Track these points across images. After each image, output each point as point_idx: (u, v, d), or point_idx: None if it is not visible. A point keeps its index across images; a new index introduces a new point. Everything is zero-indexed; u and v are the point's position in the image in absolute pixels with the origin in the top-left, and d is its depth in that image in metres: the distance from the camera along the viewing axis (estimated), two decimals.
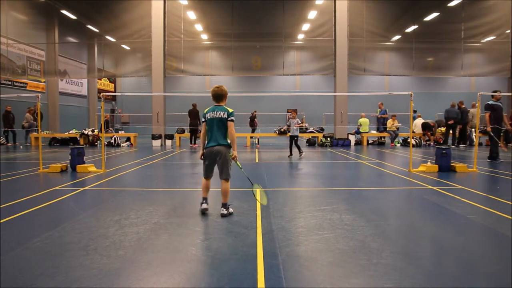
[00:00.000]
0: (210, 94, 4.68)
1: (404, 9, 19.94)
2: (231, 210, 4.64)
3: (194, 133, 16.86)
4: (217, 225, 4.16)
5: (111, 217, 4.48)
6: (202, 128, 4.69)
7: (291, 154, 11.79)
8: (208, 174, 4.70)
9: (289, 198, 5.75)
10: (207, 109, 4.64)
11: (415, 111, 19.46)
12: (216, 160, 4.57)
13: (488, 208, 4.93)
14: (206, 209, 4.63)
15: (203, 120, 4.65)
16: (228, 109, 4.55)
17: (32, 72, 21.31)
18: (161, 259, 3.17)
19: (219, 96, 4.62)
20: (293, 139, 11.69)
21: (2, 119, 17.32)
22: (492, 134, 9.72)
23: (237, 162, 4.61)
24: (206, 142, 4.62)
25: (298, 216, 4.55)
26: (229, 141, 4.55)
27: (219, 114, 4.51)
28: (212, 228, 4.05)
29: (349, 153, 13.45)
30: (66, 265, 3.03)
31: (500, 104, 9.89)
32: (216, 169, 4.72)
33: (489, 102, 9.98)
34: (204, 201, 4.68)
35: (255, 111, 22.98)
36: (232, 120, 4.50)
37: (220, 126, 4.51)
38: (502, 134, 11.67)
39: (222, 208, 4.56)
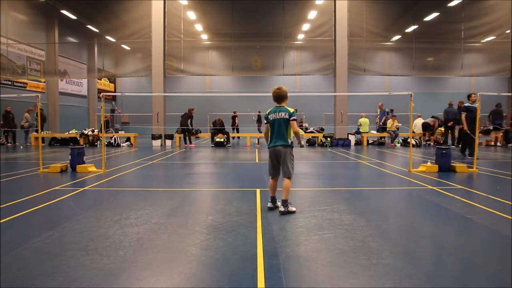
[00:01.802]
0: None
1: (404, 9, 19.94)
2: (292, 208, 4.70)
3: (188, 132, 16.91)
4: (217, 225, 4.16)
5: (111, 217, 4.48)
6: (265, 128, 4.94)
7: None
8: (273, 172, 4.88)
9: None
10: (269, 110, 4.82)
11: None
12: (279, 159, 4.74)
13: (488, 208, 4.93)
14: (270, 207, 4.85)
15: (265, 121, 4.87)
16: (289, 109, 4.72)
17: (32, 72, 21.31)
18: (161, 259, 3.17)
19: (280, 97, 4.76)
20: None
21: (2, 119, 17.33)
22: (468, 132, 10.91)
23: (302, 142, 5.01)
24: (269, 141, 4.84)
25: (298, 216, 4.55)
26: (290, 141, 4.75)
27: (281, 115, 4.68)
28: (212, 228, 4.05)
29: (349, 153, 13.45)
30: (66, 265, 3.02)
31: (476, 106, 10.22)
32: None
33: (466, 104, 11.17)
34: (271, 199, 4.88)
35: (235, 111, 22.94)
36: (294, 120, 4.68)
37: (282, 126, 4.70)
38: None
39: (281, 206, 4.71)
